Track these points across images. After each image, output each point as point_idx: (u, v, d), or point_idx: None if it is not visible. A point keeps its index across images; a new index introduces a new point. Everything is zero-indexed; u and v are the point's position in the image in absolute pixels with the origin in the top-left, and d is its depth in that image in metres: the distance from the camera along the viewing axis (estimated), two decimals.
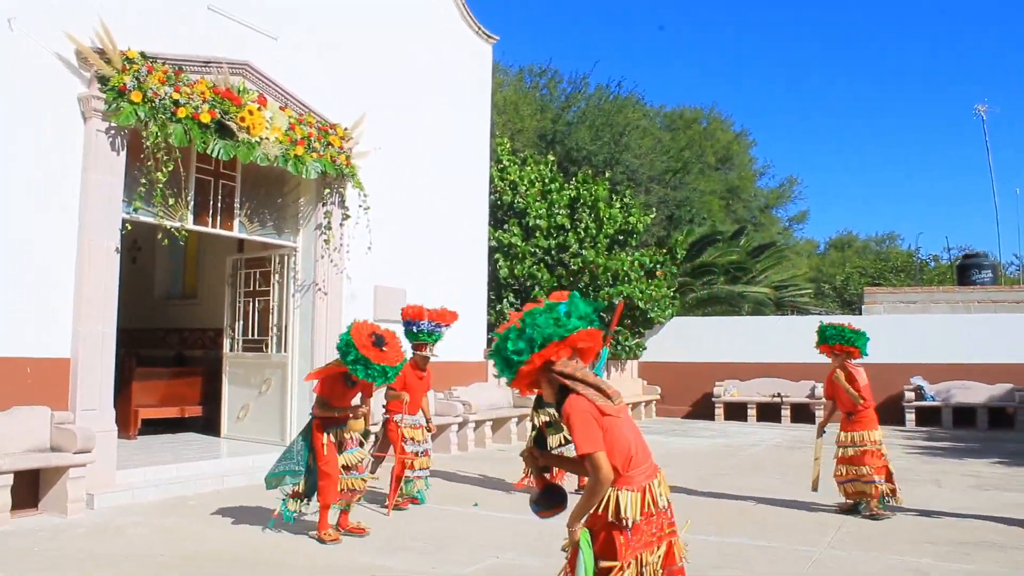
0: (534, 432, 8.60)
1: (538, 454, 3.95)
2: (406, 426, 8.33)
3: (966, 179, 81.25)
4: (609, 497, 3.43)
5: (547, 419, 8.63)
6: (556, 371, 3.57)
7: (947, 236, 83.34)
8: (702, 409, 20.12)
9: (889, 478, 8.05)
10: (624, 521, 3.40)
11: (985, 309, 19.16)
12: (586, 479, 3.50)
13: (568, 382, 3.55)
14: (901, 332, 18.33)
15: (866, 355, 8.34)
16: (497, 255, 17.33)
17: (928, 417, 17.58)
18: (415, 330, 8.36)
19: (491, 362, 14.42)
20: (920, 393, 17.66)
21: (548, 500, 3.74)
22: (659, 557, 3.47)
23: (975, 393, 17.49)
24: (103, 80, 8.11)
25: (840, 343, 8.24)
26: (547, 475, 3.91)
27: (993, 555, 6.57)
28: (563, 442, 8.54)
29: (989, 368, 17.53)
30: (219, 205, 9.99)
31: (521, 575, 5.90)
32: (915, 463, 11.72)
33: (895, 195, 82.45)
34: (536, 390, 3.79)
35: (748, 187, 39.15)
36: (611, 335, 6.46)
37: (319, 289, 10.72)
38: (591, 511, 3.47)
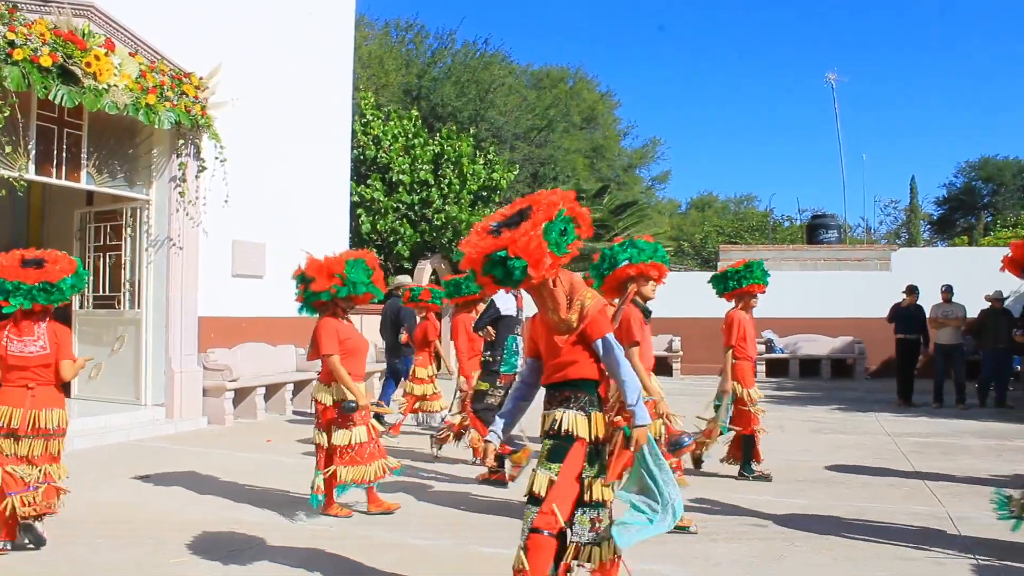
0: None
1: None
2: None
3: (817, 144, 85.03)
4: None
5: None
6: None
7: (798, 198, 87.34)
8: None
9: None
10: None
11: (830, 267, 20.10)
12: None
13: None
14: None
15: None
16: (359, 210, 17.18)
17: (777, 368, 18.43)
18: None
19: None
20: (770, 346, 18.49)
21: None
22: None
23: (820, 345, 18.48)
24: None
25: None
26: None
27: (825, 490, 7.10)
28: None
29: (833, 322, 18.52)
30: (64, 155, 9.51)
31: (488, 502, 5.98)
32: None
33: (753, 158, 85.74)
34: None
35: (612, 147, 39.86)
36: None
37: (174, 244, 10.38)
38: None
